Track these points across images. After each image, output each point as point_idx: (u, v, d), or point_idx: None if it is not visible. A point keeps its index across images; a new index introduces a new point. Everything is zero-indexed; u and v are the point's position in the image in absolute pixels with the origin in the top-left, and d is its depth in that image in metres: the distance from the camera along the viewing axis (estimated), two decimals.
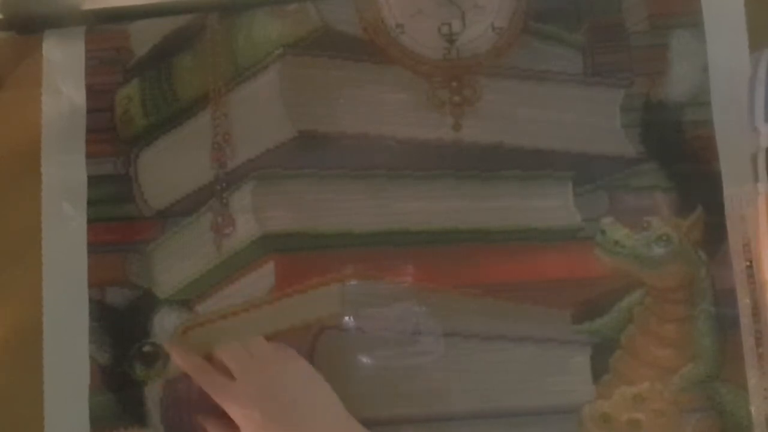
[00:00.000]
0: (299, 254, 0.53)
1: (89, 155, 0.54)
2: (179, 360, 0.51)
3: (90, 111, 0.55)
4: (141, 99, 0.55)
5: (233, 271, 0.53)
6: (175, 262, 0.53)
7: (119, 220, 0.54)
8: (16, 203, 0.54)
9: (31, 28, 0.55)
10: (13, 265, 0.54)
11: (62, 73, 0.55)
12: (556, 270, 0.52)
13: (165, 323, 0.53)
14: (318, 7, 0.54)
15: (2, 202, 0.54)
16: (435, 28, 0.54)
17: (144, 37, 0.55)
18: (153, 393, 0.52)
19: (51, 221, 0.54)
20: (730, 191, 0.52)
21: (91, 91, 0.55)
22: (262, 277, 0.53)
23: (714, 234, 0.52)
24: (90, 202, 0.54)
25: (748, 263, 0.51)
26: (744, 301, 0.51)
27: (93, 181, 0.54)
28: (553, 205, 0.53)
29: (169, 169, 0.54)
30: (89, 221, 0.53)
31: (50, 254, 0.53)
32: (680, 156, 0.53)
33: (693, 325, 0.51)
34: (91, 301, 0.53)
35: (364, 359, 0.52)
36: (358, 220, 0.53)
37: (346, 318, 0.52)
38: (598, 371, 0.51)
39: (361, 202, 0.53)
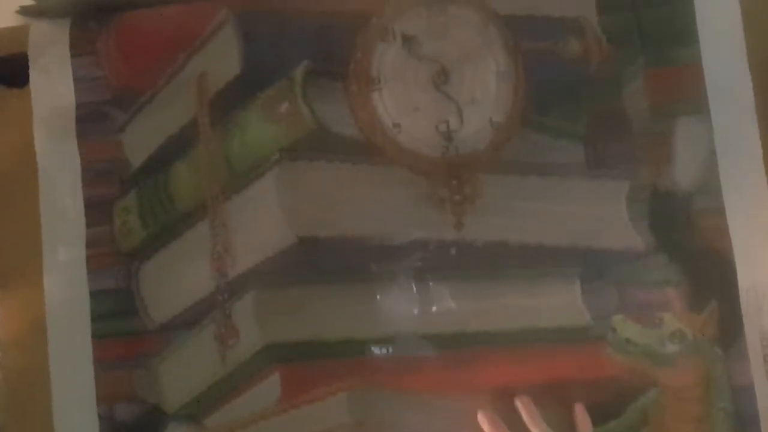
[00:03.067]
0: (304, 364, 0.52)
1: (89, 270, 0.54)
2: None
3: (88, 225, 0.54)
4: (139, 210, 0.54)
5: (239, 383, 0.52)
6: (181, 376, 0.53)
7: (123, 335, 0.53)
8: (22, 323, 0.54)
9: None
10: (23, 388, 0.54)
11: (59, 186, 0.55)
12: (567, 371, 0.51)
13: None
14: (312, 108, 0.53)
15: (8, 319, 0.54)
16: (432, 126, 0.53)
17: (138, 146, 0.55)
18: None
19: (57, 338, 0.53)
20: (745, 282, 0.50)
21: (89, 204, 0.54)
22: (268, 387, 0.52)
23: (729, 327, 0.50)
24: (93, 318, 0.53)
25: (766, 357, 0.50)
26: (763, 397, 0.49)
27: (95, 295, 0.54)
28: (560, 304, 0.51)
29: (171, 281, 0.54)
30: (94, 337, 0.53)
31: (58, 372, 0.53)
32: (691, 247, 0.51)
33: (711, 424, 0.50)
34: (100, 418, 0.53)
35: None
36: (361, 326, 0.52)
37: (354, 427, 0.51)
38: None
39: (362, 308, 0.52)
